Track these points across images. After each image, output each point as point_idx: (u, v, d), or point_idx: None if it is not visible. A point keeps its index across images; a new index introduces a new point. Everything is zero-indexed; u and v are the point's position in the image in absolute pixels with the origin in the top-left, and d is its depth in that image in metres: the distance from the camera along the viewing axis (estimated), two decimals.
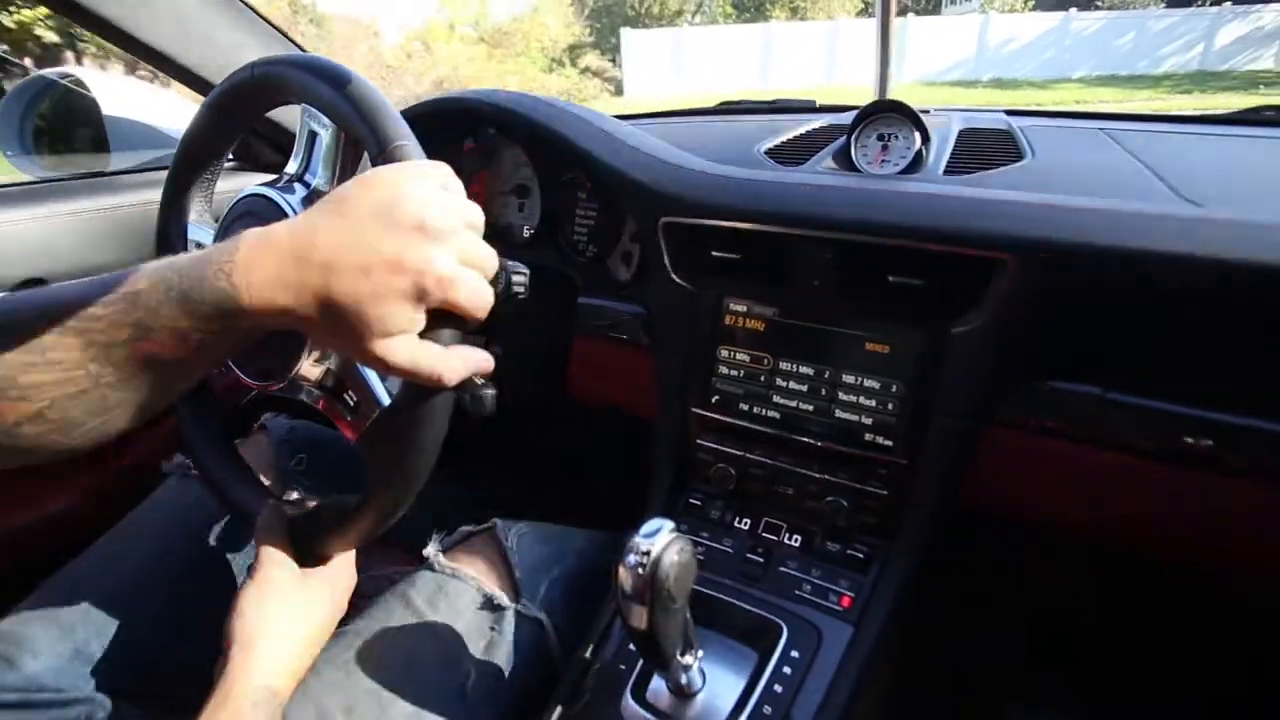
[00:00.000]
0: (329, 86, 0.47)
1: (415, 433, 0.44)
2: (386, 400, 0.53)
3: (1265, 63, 14.07)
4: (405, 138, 0.45)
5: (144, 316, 0.36)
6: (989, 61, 15.41)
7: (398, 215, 0.38)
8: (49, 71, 0.96)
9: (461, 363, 0.43)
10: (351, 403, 0.57)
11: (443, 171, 0.42)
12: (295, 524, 0.55)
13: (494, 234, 0.91)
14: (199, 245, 0.61)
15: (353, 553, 0.56)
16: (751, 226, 0.67)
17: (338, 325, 0.38)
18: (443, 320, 0.41)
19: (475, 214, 0.42)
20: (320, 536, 0.53)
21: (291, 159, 0.57)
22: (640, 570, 0.45)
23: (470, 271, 0.41)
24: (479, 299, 0.41)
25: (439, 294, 0.39)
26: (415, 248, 0.38)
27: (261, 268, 0.37)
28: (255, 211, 0.56)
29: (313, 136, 0.56)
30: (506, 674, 0.62)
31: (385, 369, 0.40)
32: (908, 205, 0.62)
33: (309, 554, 0.53)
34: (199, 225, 0.63)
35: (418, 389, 0.43)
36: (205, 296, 0.36)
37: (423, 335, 0.40)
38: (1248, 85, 11.83)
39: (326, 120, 0.55)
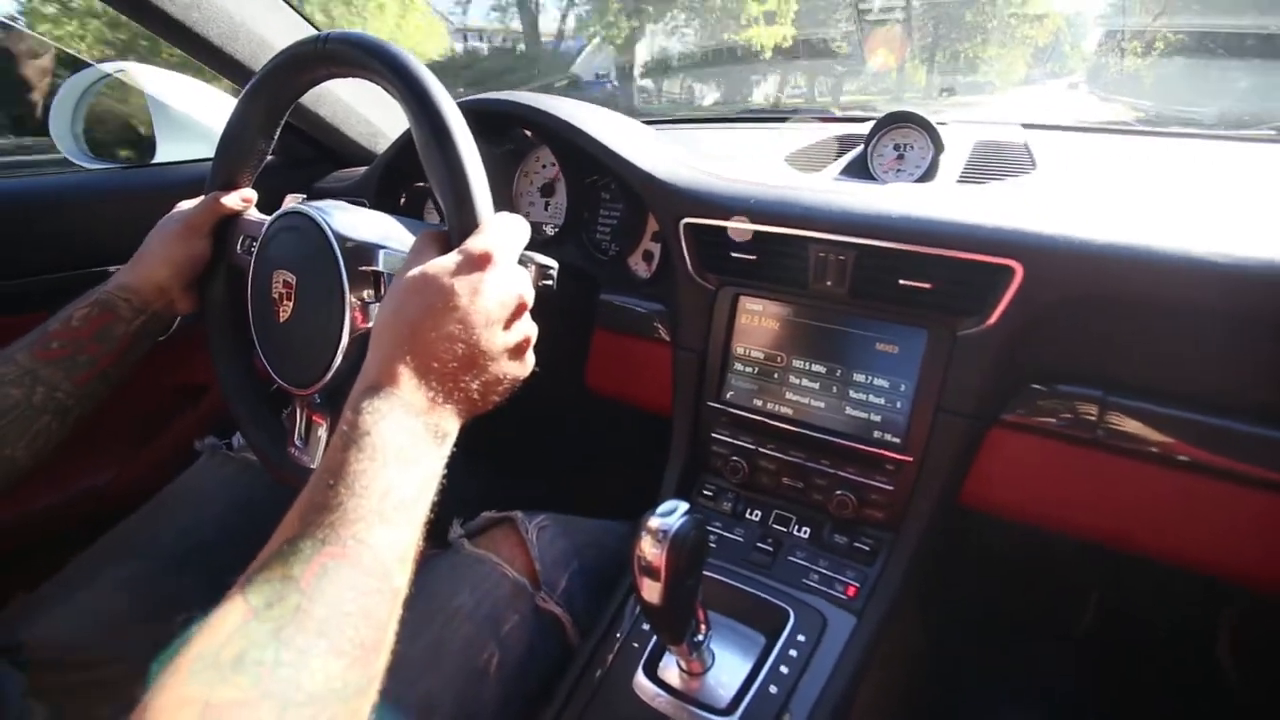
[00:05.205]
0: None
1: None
2: None
3: None
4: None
5: None
6: None
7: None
8: (104, 65, 1.01)
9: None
10: None
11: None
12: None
13: None
14: (251, 239, 0.63)
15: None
16: (768, 228, 0.70)
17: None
18: None
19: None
20: None
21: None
22: (656, 546, 0.48)
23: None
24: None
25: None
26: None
27: None
28: (297, 227, 0.55)
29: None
30: (528, 657, 0.64)
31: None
32: (919, 211, 0.64)
33: None
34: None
35: None
36: None
37: None
38: None
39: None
